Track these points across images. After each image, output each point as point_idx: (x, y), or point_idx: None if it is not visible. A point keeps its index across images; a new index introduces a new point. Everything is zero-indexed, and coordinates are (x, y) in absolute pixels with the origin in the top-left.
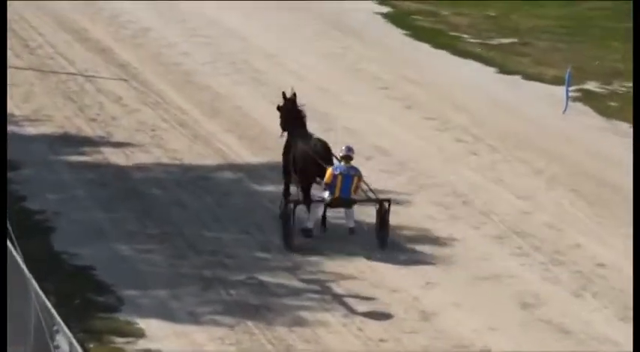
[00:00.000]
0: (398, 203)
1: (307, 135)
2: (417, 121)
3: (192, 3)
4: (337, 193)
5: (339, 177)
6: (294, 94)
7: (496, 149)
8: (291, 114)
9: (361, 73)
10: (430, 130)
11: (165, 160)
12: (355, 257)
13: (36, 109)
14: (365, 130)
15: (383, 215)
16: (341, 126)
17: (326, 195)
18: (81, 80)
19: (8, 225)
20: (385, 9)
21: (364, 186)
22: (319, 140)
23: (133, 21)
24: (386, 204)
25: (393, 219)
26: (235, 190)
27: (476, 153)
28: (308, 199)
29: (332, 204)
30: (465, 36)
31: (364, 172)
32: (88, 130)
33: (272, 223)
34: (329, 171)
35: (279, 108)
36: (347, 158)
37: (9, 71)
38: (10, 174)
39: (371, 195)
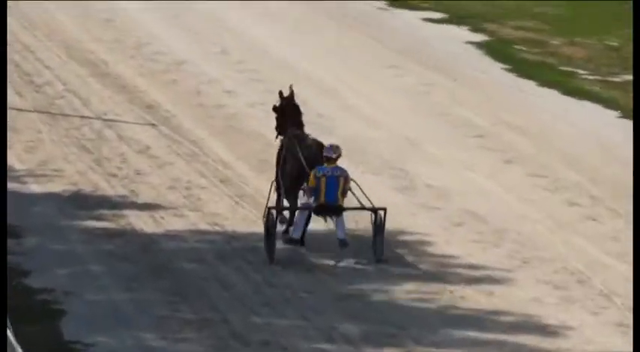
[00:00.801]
0: (496, 281)
1: (303, 138)
2: (520, 179)
3: (231, 24)
4: (322, 198)
5: (323, 180)
6: (292, 92)
7: (619, 214)
8: (289, 115)
9: (449, 117)
10: (536, 190)
11: (203, 226)
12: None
13: (43, 162)
14: (454, 190)
15: (378, 225)
16: (423, 183)
17: (310, 200)
18: (98, 125)
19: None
20: (479, 37)
21: (357, 192)
22: (314, 141)
23: (163, 51)
24: (381, 213)
25: (491, 302)
26: (289, 265)
27: (594, 219)
28: (293, 205)
29: (317, 210)
30: (580, 71)
31: None
32: (107, 188)
33: (336, 306)
34: (312, 173)
35: (275, 108)
36: (329, 159)
37: (10, 113)
38: (10, 243)
39: (366, 202)
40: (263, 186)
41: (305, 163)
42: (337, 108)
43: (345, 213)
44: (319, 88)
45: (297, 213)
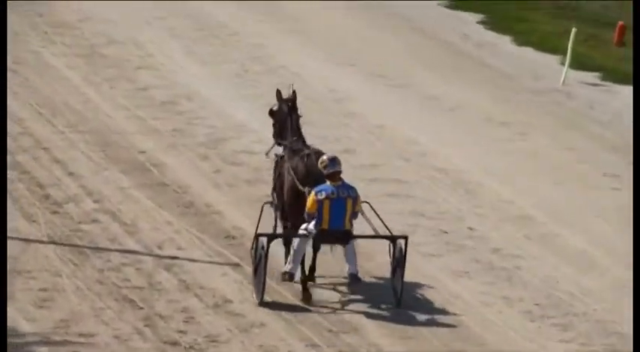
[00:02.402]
0: None
1: (302, 149)
2: None
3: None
4: (325, 224)
5: (326, 203)
6: (294, 93)
7: None
8: (288, 120)
9: None
10: None
11: None
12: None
13: (63, 322)
14: None
15: (397, 257)
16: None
17: (311, 226)
18: (150, 264)
19: None
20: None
21: (370, 217)
22: (316, 153)
23: (249, 149)
24: (401, 242)
25: None
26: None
27: None
28: (286, 231)
29: (319, 238)
30: None
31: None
32: None
33: None
34: (311, 196)
35: (271, 113)
36: (333, 175)
37: (14, 245)
38: None
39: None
40: None
41: (298, 179)
42: (463, 195)
43: (356, 242)
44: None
45: (295, 241)
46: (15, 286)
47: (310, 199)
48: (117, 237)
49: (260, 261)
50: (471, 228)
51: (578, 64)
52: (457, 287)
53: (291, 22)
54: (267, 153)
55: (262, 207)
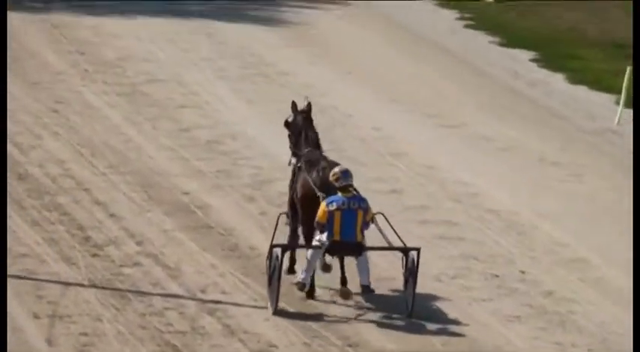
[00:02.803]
0: None
1: (319, 160)
2: None
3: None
4: (337, 236)
5: (337, 214)
6: (309, 104)
7: None
8: (303, 131)
9: None
10: None
11: None
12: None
13: None
14: None
15: (410, 268)
16: None
17: (323, 237)
18: (193, 309)
19: None
20: None
21: (384, 228)
22: (331, 165)
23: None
24: (414, 254)
25: None
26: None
27: None
28: (296, 242)
29: (331, 249)
30: None
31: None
32: None
33: None
34: (322, 206)
35: (287, 124)
36: (346, 188)
37: (53, 289)
38: None
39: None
40: None
41: (317, 190)
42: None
43: (369, 254)
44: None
45: (308, 252)
46: (55, 330)
47: (321, 209)
48: (159, 280)
49: (274, 271)
50: (522, 272)
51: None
52: (508, 333)
53: (341, 62)
54: (290, 163)
55: (278, 218)
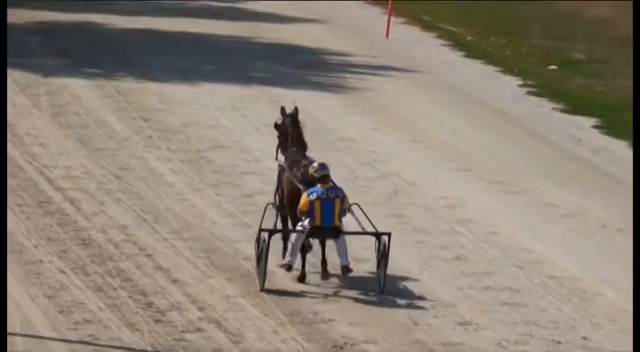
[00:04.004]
0: None
1: (300, 159)
2: None
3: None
4: (317, 222)
5: (317, 203)
6: (296, 109)
7: None
8: (291, 133)
9: None
10: None
11: None
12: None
13: None
14: None
15: (382, 251)
16: None
17: (306, 223)
18: None
19: None
20: None
21: (356, 214)
22: (309, 161)
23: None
24: (385, 238)
25: None
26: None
27: None
28: (285, 228)
29: (312, 233)
30: None
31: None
32: None
33: None
34: (303, 196)
35: (276, 126)
36: (323, 179)
37: None
38: None
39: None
40: None
41: (301, 186)
42: None
43: (348, 238)
44: None
45: (292, 236)
46: None
47: (303, 199)
48: (222, 346)
49: (262, 253)
50: (585, 338)
51: None
52: None
53: (406, 130)
54: (277, 158)
55: (265, 208)
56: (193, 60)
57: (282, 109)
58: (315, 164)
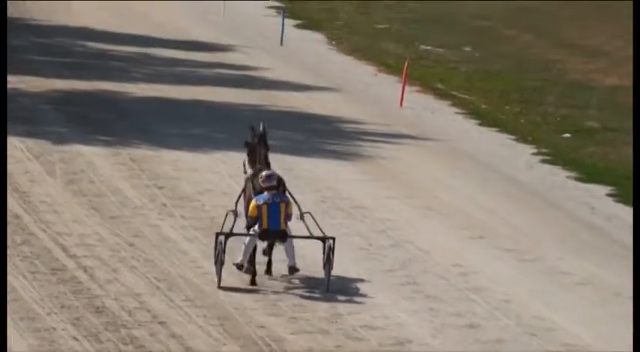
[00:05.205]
0: None
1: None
2: None
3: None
4: (265, 225)
5: (264, 208)
6: (264, 129)
7: None
8: (257, 151)
9: None
10: None
11: None
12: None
13: None
14: None
15: (327, 254)
16: None
17: (256, 227)
18: None
19: None
20: None
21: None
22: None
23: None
24: (330, 242)
25: None
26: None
27: None
28: (236, 233)
29: (262, 236)
30: None
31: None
32: None
33: None
34: (252, 202)
35: (246, 144)
36: (269, 188)
37: None
38: None
39: (317, 232)
40: None
41: (254, 194)
42: None
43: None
44: None
45: (245, 239)
46: None
47: (252, 205)
48: None
49: (219, 255)
50: None
51: None
52: None
53: (420, 197)
54: (245, 172)
55: (226, 215)
56: (207, 128)
57: (252, 128)
58: (263, 174)
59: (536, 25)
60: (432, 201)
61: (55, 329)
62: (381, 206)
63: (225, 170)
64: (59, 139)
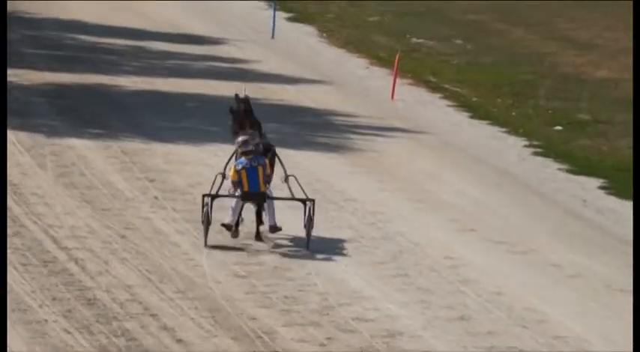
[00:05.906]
0: None
1: (247, 140)
2: None
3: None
4: (246, 188)
5: (243, 172)
6: (246, 95)
7: None
8: (245, 117)
9: None
10: None
11: None
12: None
13: None
14: None
15: (308, 215)
16: None
17: (237, 192)
18: None
19: None
20: None
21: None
22: (258, 143)
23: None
24: (309, 204)
25: None
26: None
27: None
28: (222, 195)
29: (244, 198)
30: None
31: None
32: None
33: None
34: (232, 168)
35: (231, 110)
36: (246, 153)
37: None
38: None
39: (299, 194)
40: None
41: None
42: None
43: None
44: None
45: (232, 202)
46: None
47: (232, 170)
48: None
49: (206, 215)
50: None
51: None
52: None
53: (411, 190)
54: (234, 140)
55: (215, 177)
56: (198, 121)
57: (236, 95)
58: (239, 139)
59: (527, 18)
60: (423, 194)
61: (46, 321)
62: (373, 198)
63: (216, 163)
64: (50, 132)
